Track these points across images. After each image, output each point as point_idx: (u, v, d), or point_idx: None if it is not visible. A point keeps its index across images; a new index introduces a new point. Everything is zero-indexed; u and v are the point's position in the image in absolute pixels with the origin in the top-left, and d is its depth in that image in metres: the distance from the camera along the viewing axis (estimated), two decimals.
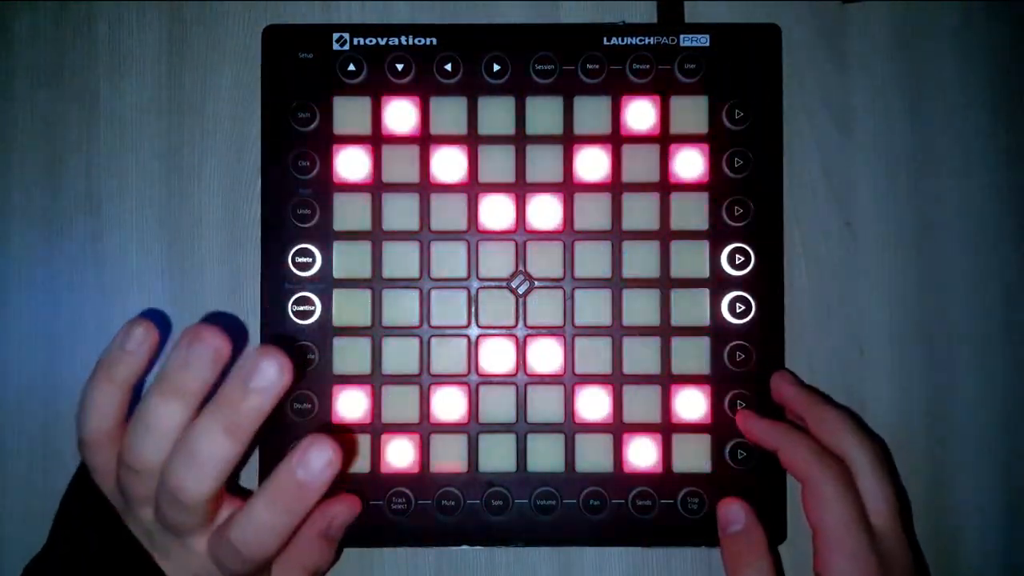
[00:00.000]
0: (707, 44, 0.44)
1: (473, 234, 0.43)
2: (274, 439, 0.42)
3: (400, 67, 0.43)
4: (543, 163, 0.43)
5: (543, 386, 0.43)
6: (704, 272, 0.43)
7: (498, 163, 0.43)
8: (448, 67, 0.43)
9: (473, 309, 0.43)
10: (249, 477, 0.44)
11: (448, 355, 0.43)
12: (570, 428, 0.43)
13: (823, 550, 0.38)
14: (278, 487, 0.32)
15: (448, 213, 0.43)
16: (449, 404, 0.43)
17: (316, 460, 0.31)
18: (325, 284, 0.43)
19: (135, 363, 0.33)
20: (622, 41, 0.44)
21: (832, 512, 0.38)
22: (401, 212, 0.43)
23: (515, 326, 0.43)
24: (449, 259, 0.43)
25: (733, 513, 0.41)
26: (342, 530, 0.41)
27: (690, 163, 0.43)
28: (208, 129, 0.46)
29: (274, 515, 0.32)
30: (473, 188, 0.43)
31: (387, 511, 0.43)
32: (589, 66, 0.43)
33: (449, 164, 0.44)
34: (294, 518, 0.33)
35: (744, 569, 0.40)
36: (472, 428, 0.43)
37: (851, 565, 0.38)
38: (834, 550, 0.38)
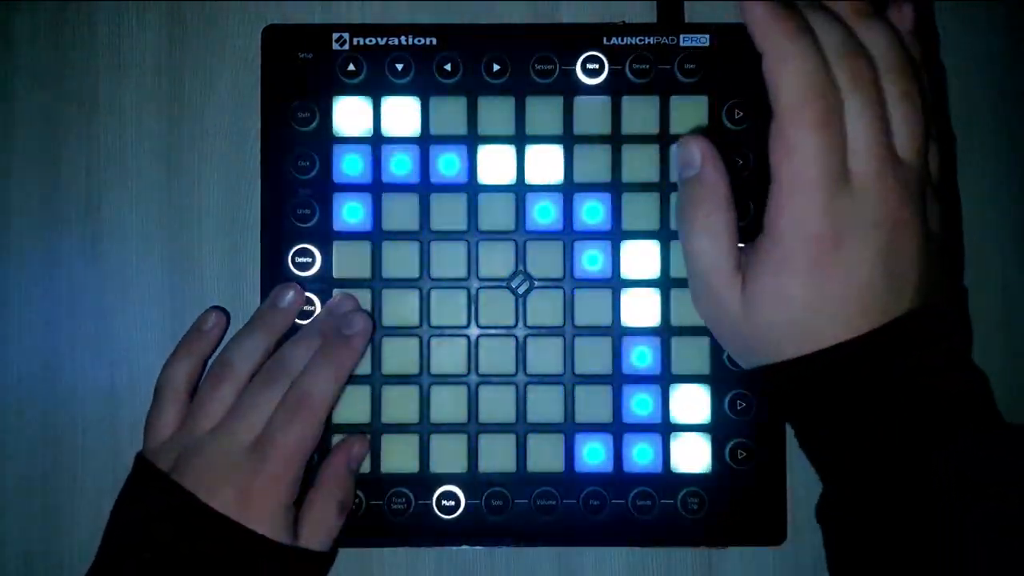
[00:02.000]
0: (707, 44, 0.44)
1: (473, 234, 0.43)
2: None
3: (400, 67, 0.43)
4: (543, 163, 0.43)
5: (543, 386, 0.43)
6: None
7: (498, 163, 0.43)
8: (448, 67, 0.43)
9: (473, 309, 0.43)
10: None
11: (448, 355, 0.43)
12: (570, 428, 0.43)
13: (770, 209, 0.33)
14: (261, 315, 0.42)
15: (448, 213, 0.43)
16: (449, 404, 0.43)
17: (287, 294, 0.42)
18: (325, 284, 0.43)
19: (209, 340, 0.43)
20: (622, 41, 0.44)
21: (793, 161, 0.32)
22: (401, 212, 0.43)
23: (515, 326, 0.43)
24: (449, 259, 0.43)
25: (688, 154, 0.35)
26: (359, 462, 0.43)
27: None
28: (208, 129, 0.46)
29: (257, 335, 0.42)
30: (473, 188, 0.43)
31: (387, 511, 0.43)
32: (589, 66, 0.43)
33: (449, 164, 0.44)
34: (273, 337, 0.42)
35: (695, 222, 0.35)
36: (472, 428, 0.43)
37: (796, 229, 0.32)
38: (778, 208, 0.32)
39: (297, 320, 0.43)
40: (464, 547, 0.44)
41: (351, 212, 0.43)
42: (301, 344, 0.42)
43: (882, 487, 0.33)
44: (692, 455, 0.43)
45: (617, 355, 0.43)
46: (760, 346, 0.35)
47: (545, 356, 0.43)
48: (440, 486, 0.43)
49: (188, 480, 0.38)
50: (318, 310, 0.43)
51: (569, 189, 0.43)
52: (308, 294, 0.43)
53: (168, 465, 0.39)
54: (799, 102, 0.32)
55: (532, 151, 0.43)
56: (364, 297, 0.43)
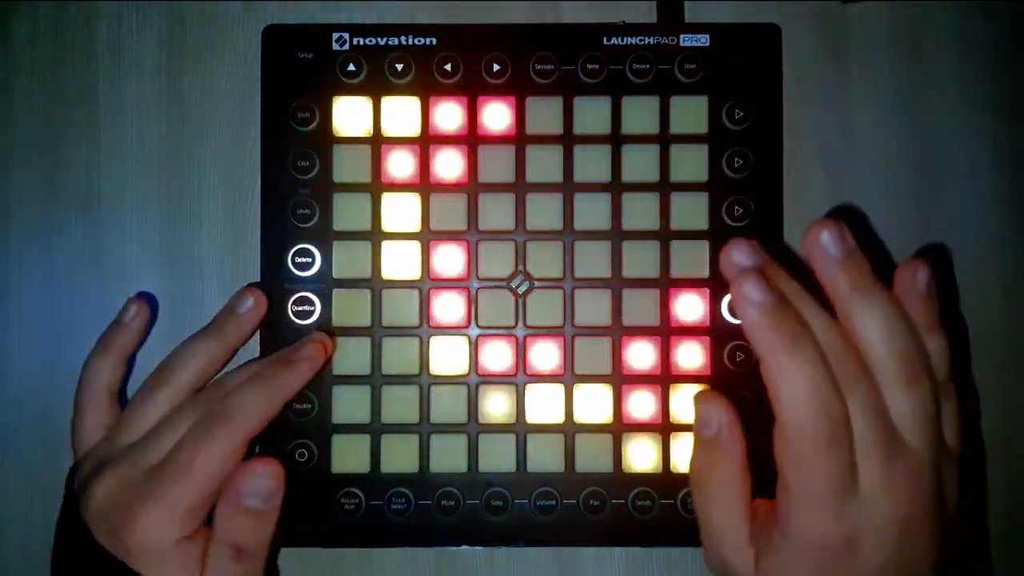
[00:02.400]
0: (707, 44, 0.44)
1: (473, 234, 0.43)
2: (274, 440, 0.42)
3: (400, 67, 0.43)
4: (543, 163, 0.43)
5: (543, 386, 0.43)
6: (704, 272, 0.43)
7: (498, 163, 0.43)
8: (448, 67, 0.43)
9: (473, 309, 0.43)
10: None
11: (448, 355, 0.43)
12: (570, 428, 0.43)
13: (781, 507, 0.32)
14: (215, 320, 0.40)
15: (448, 213, 0.43)
16: (449, 404, 0.43)
17: (245, 301, 0.40)
18: (325, 284, 0.43)
19: (129, 334, 0.40)
20: (622, 41, 0.44)
21: (804, 477, 0.30)
22: (401, 212, 0.43)
23: (515, 326, 0.43)
24: (449, 259, 0.43)
25: (707, 414, 0.33)
26: (261, 500, 0.34)
27: (690, 164, 0.43)
28: (208, 129, 0.46)
29: (206, 341, 0.39)
30: (473, 188, 0.43)
31: (387, 511, 0.43)
32: (589, 66, 0.43)
33: (449, 164, 0.44)
34: (223, 345, 0.40)
35: (709, 488, 0.33)
36: (472, 428, 0.43)
37: (807, 537, 0.31)
38: (788, 516, 0.31)
39: (297, 321, 0.43)
40: (464, 547, 0.44)
41: (351, 212, 0.43)
42: (247, 368, 0.39)
43: None
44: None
45: (617, 355, 0.43)
46: None
47: (545, 356, 0.43)
48: (440, 486, 0.43)
49: (87, 501, 0.35)
50: (318, 311, 0.43)
51: (569, 189, 0.43)
52: (307, 294, 0.43)
53: (82, 477, 0.36)
54: (804, 419, 0.30)
55: (532, 151, 0.43)
56: (364, 297, 0.43)
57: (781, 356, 0.30)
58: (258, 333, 0.43)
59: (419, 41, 0.44)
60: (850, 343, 0.31)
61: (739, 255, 0.31)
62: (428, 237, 0.43)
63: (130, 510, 0.34)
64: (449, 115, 0.44)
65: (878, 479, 0.30)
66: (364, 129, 0.44)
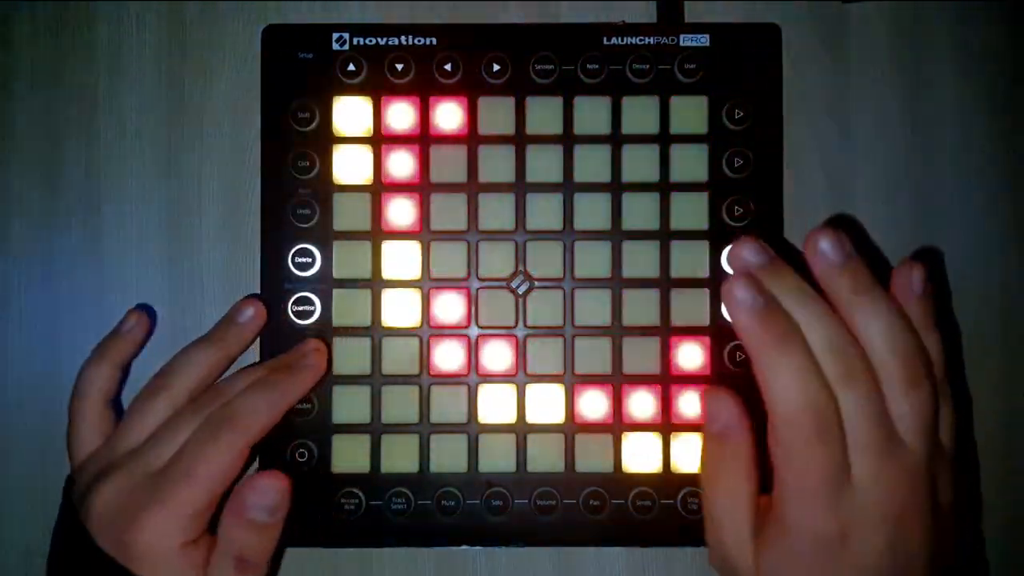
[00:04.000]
0: (707, 44, 0.44)
1: (473, 234, 0.43)
2: (274, 442, 0.42)
3: (400, 67, 0.43)
4: (543, 163, 0.43)
5: (543, 386, 0.43)
6: (704, 272, 0.43)
7: (498, 163, 0.43)
8: (448, 67, 0.43)
9: (473, 309, 0.43)
10: None
11: (448, 355, 0.43)
12: (570, 428, 0.43)
13: (776, 501, 0.32)
14: (215, 329, 0.40)
15: (448, 213, 0.43)
16: (449, 404, 0.43)
17: (245, 311, 0.41)
18: (325, 284, 0.43)
19: (127, 344, 0.40)
20: (622, 41, 0.44)
21: (794, 473, 0.31)
22: (401, 212, 0.43)
23: (515, 326, 0.43)
24: (449, 259, 0.43)
25: (716, 409, 0.33)
26: (266, 514, 0.35)
27: (690, 164, 0.43)
28: (208, 129, 0.46)
29: (205, 349, 0.39)
30: (473, 188, 0.43)
31: (387, 511, 0.43)
32: (589, 66, 0.43)
33: (449, 164, 0.44)
34: (223, 354, 0.40)
35: (717, 485, 0.34)
36: (472, 428, 0.43)
37: (802, 531, 0.31)
38: (784, 510, 0.32)
39: (297, 321, 0.43)
40: (464, 547, 0.44)
41: (351, 212, 0.43)
42: (248, 374, 0.39)
43: None
44: (692, 455, 0.43)
45: (617, 355, 0.43)
46: None
47: (545, 356, 0.43)
48: (440, 486, 0.43)
49: (88, 508, 0.35)
50: (318, 311, 0.43)
51: (569, 189, 0.43)
52: (307, 294, 0.43)
53: (81, 485, 0.36)
54: (793, 414, 0.31)
55: (532, 151, 0.43)
56: (364, 297, 0.43)
57: (770, 355, 0.31)
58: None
59: (419, 41, 0.44)
60: (853, 341, 0.32)
61: (747, 253, 0.32)
62: (428, 237, 0.43)
63: (134, 515, 0.34)
64: (449, 115, 0.44)
65: (872, 475, 0.31)
66: (364, 129, 0.44)
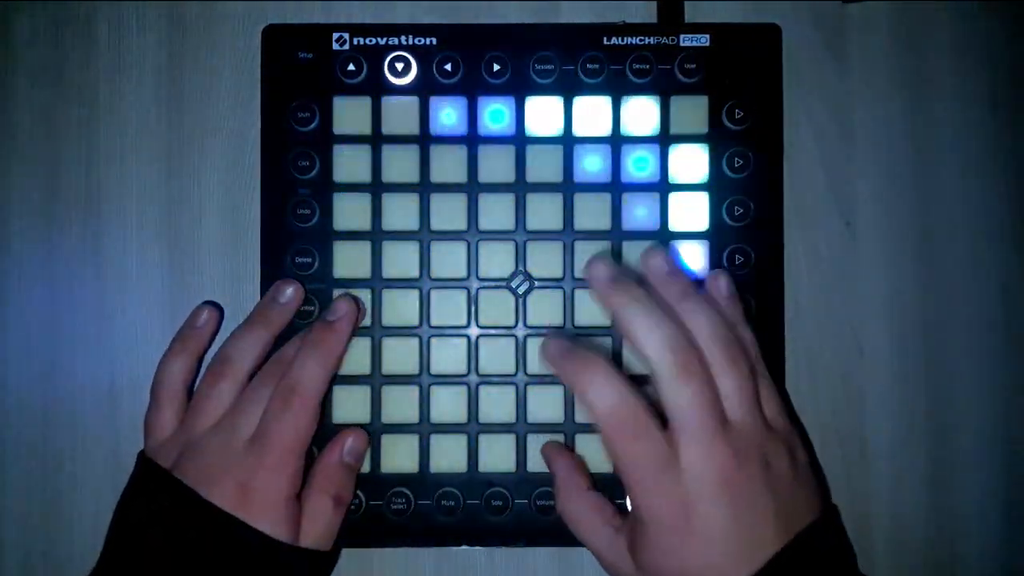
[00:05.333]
0: (707, 44, 0.44)
1: (473, 234, 0.43)
2: None
3: (400, 67, 0.43)
4: (543, 163, 0.43)
5: (543, 386, 0.43)
6: (704, 272, 0.43)
7: (498, 162, 0.43)
8: (448, 67, 0.43)
9: (473, 309, 0.43)
10: None
11: (448, 355, 0.43)
12: (570, 428, 0.43)
13: (631, 503, 0.37)
14: (260, 311, 0.43)
15: (448, 213, 0.43)
16: (449, 404, 0.43)
17: (286, 290, 0.43)
18: (325, 284, 0.43)
19: (203, 336, 0.43)
20: (622, 41, 0.44)
21: (626, 473, 0.35)
22: (401, 212, 0.43)
23: (515, 326, 0.43)
24: (449, 259, 0.43)
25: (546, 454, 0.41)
26: (356, 456, 0.42)
27: (690, 163, 0.44)
28: (208, 129, 0.46)
29: (256, 331, 0.42)
30: (473, 188, 0.43)
31: (387, 511, 0.43)
32: (589, 66, 0.43)
33: (449, 164, 0.44)
34: (271, 332, 0.42)
35: (567, 515, 0.40)
36: (472, 428, 0.43)
37: (653, 519, 0.35)
38: (635, 504, 0.36)
39: (298, 320, 0.43)
40: (464, 547, 0.44)
41: (351, 212, 0.43)
42: (297, 341, 0.42)
43: None
44: None
45: (618, 355, 0.43)
46: None
47: None
48: (440, 486, 0.43)
49: (189, 477, 0.38)
50: (318, 310, 0.43)
51: (569, 189, 0.43)
52: (307, 295, 0.43)
53: (169, 463, 0.39)
54: (608, 412, 0.35)
55: (532, 151, 0.43)
56: (364, 297, 0.43)
57: (578, 374, 0.35)
58: None
59: (419, 41, 0.44)
60: (688, 340, 0.36)
61: (596, 271, 0.37)
62: (428, 237, 0.43)
63: (245, 477, 0.38)
64: (449, 115, 0.44)
65: (704, 454, 0.34)
66: (364, 129, 0.44)
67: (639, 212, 0.43)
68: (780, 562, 0.34)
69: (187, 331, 0.43)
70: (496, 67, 0.43)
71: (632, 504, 0.36)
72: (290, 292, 0.43)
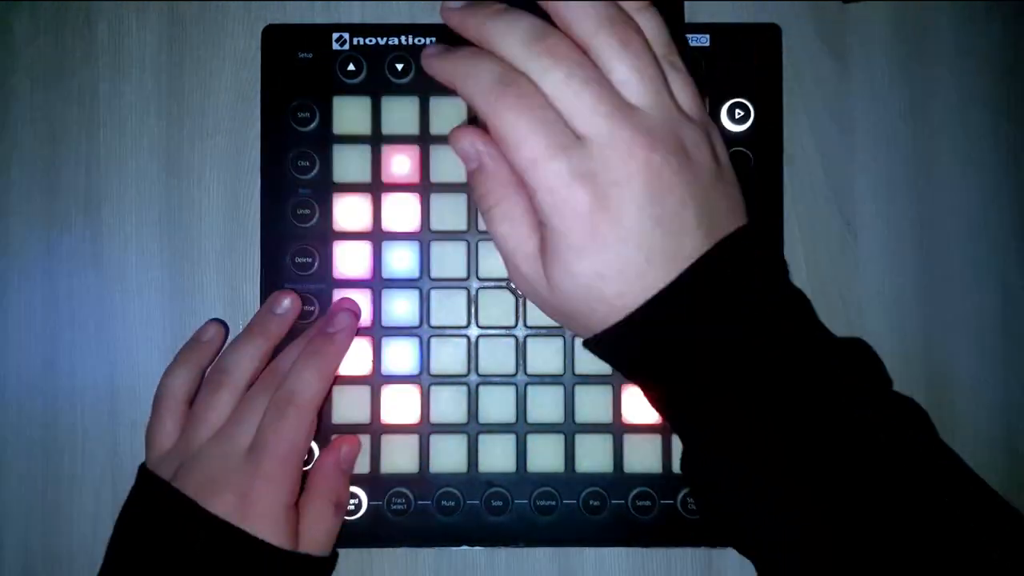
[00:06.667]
0: (707, 44, 0.44)
1: (473, 234, 0.43)
2: None
3: (400, 67, 0.43)
4: None
5: (543, 386, 0.43)
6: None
7: None
8: None
9: (473, 309, 0.43)
10: None
11: (448, 355, 0.43)
12: (570, 428, 0.43)
13: (532, 199, 0.33)
14: (257, 321, 0.42)
15: (448, 213, 0.43)
16: (449, 404, 0.43)
17: (283, 301, 0.42)
18: (325, 284, 0.43)
19: (206, 351, 0.43)
20: None
21: (518, 150, 0.31)
22: (400, 212, 0.43)
23: (515, 326, 0.43)
24: (449, 259, 0.43)
25: (464, 150, 0.35)
26: (351, 464, 0.43)
27: None
28: (208, 129, 0.46)
29: (254, 341, 0.42)
30: None
31: (387, 511, 0.43)
32: None
33: (449, 164, 0.43)
34: (269, 343, 0.42)
35: (492, 211, 0.34)
36: (472, 428, 0.43)
37: (555, 208, 0.31)
38: (534, 196, 0.32)
39: (298, 321, 0.43)
40: (464, 547, 0.44)
41: (351, 212, 0.43)
42: (294, 349, 0.42)
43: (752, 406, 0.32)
44: None
45: None
46: (577, 319, 0.34)
47: (545, 356, 0.43)
48: (440, 486, 0.43)
49: (189, 488, 0.38)
50: (317, 311, 0.43)
51: None
52: (307, 294, 0.43)
53: (169, 474, 0.39)
54: (488, 95, 0.32)
55: None
56: (364, 297, 0.43)
57: (450, 64, 0.33)
58: None
59: (419, 41, 0.44)
60: (554, 29, 0.32)
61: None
62: (428, 237, 0.43)
63: (244, 487, 0.38)
64: (449, 115, 0.44)
65: (603, 136, 0.31)
66: (364, 129, 0.44)
67: None
68: (705, 267, 0.31)
69: (192, 344, 0.43)
70: None
71: (535, 200, 0.32)
72: (287, 303, 0.43)
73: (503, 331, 0.43)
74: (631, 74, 0.31)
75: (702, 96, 0.43)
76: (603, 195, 0.31)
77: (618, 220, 0.31)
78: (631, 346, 0.33)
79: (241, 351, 0.42)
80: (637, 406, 0.43)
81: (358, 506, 0.43)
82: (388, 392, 0.43)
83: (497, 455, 0.43)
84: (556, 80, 0.31)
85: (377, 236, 0.43)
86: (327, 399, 0.43)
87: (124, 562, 0.39)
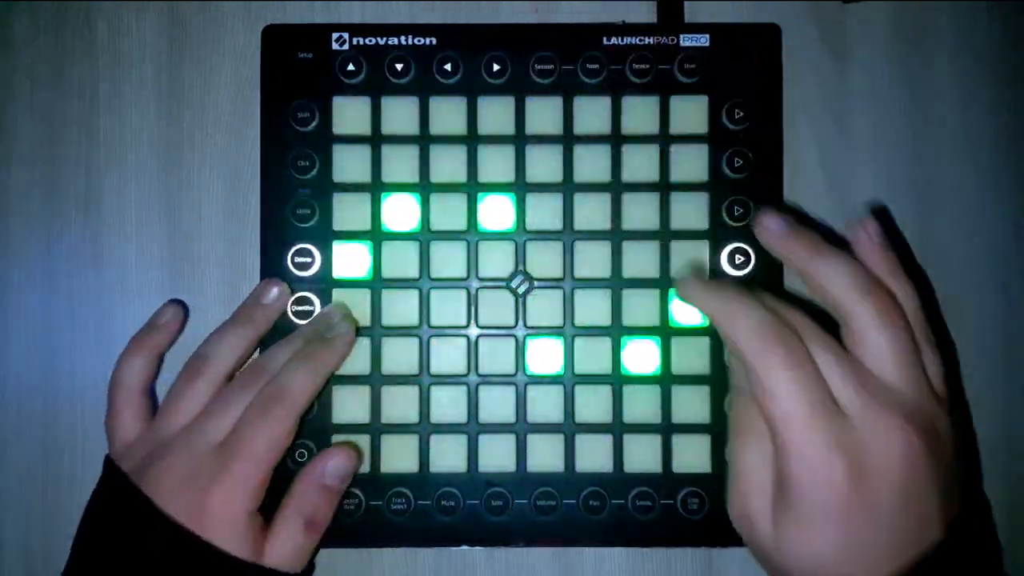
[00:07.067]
0: (707, 44, 0.44)
1: (473, 234, 0.43)
2: None
3: (400, 67, 0.43)
4: (543, 163, 0.43)
5: (543, 386, 0.43)
6: (705, 272, 0.43)
7: (498, 163, 0.43)
8: (448, 67, 0.43)
9: (473, 309, 0.43)
10: None
11: (448, 355, 0.43)
12: (570, 428, 0.43)
13: (778, 454, 0.32)
14: (243, 310, 0.41)
15: (448, 213, 0.43)
16: (449, 404, 0.43)
17: (272, 290, 0.42)
18: (325, 284, 0.43)
19: (162, 335, 0.42)
20: (622, 41, 0.44)
21: (778, 403, 0.31)
22: (400, 212, 0.43)
23: (515, 326, 0.43)
24: (449, 259, 0.43)
25: (738, 379, 0.35)
26: (340, 478, 0.40)
27: (690, 164, 0.43)
28: (208, 129, 0.46)
29: (237, 330, 0.41)
30: (473, 188, 0.43)
31: (387, 511, 0.43)
32: (589, 66, 0.43)
33: (449, 164, 0.44)
34: (254, 333, 0.41)
35: (746, 435, 0.34)
36: (472, 428, 0.43)
37: (807, 473, 0.31)
38: (785, 453, 0.32)
39: (297, 321, 0.43)
40: (464, 547, 0.44)
41: (351, 212, 0.43)
42: (284, 348, 0.41)
43: None
44: (692, 455, 0.43)
45: (617, 355, 0.43)
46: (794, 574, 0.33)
47: (545, 356, 0.43)
48: (440, 486, 0.43)
49: (150, 482, 0.37)
50: (317, 310, 0.43)
51: (568, 189, 0.43)
52: (307, 294, 0.43)
53: (134, 464, 0.38)
54: (761, 348, 0.32)
55: (532, 151, 0.43)
56: (364, 297, 0.43)
57: (724, 301, 0.34)
58: None
59: (419, 41, 0.44)
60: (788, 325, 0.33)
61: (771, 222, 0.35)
62: (428, 237, 0.43)
63: (205, 487, 0.36)
64: (449, 115, 0.44)
65: (861, 409, 0.31)
66: (364, 129, 0.44)
67: (639, 212, 0.43)
68: (941, 555, 0.31)
69: (146, 329, 0.42)
70: (496, 67, 0.43)
71: (785, 462, 0.32)
72: (275, 292, 0.42)
73: (503, 331, 0.43)
74: (889, 352, 0.32)
75: (705, 98, 0.44)
76: (859, 471, 0.31)
77: (873, 500, 0.31)
78: None
79: (223, 339, 0.40)
80: (638, 406, 0.43)
81: (358, 506, 0.43)
82: (388, 392, 0.43)
83: (497, 455, 0.43)
84: (818, 346, 0.32)
85: (377, 236, 0.43)
86: (328, 396, 0.43)
87: (83, 558, 0.37)
